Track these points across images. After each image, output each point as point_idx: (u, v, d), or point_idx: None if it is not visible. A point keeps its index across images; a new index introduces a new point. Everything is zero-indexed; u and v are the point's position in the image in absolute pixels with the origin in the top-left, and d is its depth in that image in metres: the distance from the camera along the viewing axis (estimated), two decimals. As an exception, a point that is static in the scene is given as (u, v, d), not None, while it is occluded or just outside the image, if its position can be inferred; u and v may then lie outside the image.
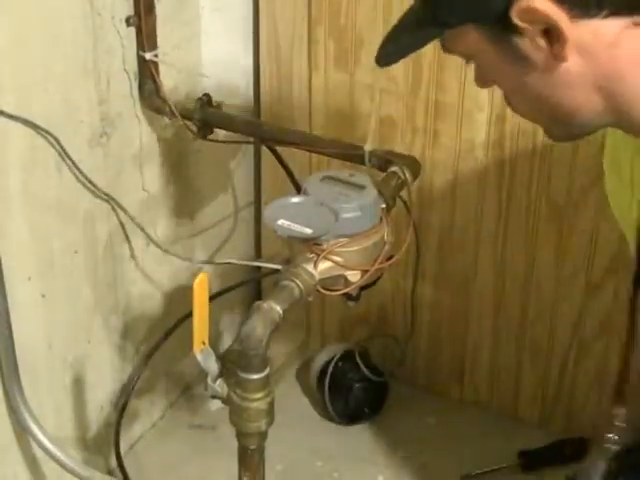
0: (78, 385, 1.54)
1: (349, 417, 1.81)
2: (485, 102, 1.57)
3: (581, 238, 1.60)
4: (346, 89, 1.68)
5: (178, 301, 1.70)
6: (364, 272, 1.20)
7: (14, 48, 1.25)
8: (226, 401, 1.14)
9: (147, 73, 1.49)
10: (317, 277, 1.16)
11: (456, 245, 1.74)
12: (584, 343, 1.69)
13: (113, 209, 1.52)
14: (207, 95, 1.52)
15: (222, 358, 1.14)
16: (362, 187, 1.24)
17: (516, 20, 0.80)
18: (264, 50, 1.75)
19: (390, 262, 1.23)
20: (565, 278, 1.66)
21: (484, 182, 1.65)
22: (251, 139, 1.68)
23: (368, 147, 1.37)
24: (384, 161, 1.36)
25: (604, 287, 1.62)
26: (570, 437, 1.68)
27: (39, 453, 1.46)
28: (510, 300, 1.73)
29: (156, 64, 1.49)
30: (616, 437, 1.06)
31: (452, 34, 0.87)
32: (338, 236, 1.18)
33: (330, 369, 1.80)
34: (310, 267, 1.16)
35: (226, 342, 1.88)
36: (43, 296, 1.41)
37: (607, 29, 0.81)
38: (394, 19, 0.90)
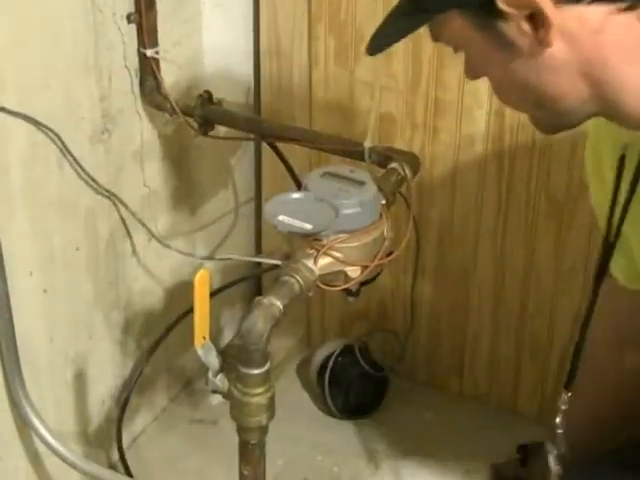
0: (80, 380, 1.55)
1: (349, 412, 1.81)
2: (484, 98, 1.57)
3: (580, 233, 1.61)
4: (346, 86, 1.69)
5: (179, 297, 1.71)
6: (364, 268, 1.21)
7: (16, 45, 1.25)
8: (227, 396, 1.14)
9: (148, 70, 1.49)
10: (317, 273, 1.17)
11: (456, 240, 1.74)
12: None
13: (114, 205, 1.52)
14: (208, 92, 1.52)
15: (223, 353, 1.14)
16: (362, 183, 1.24)
17: (501, 5, 0.81)
18: (264, 46, 1.75)
19: (390, 258, 1.24)
20: (564, 272, 1.66)
21: (483, 177, 1.66)
22: (252, 135, 1.69)
23: (368, 143, 1.38)
24: (384, 157, 1.37)
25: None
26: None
27: (41, 447, 1.47)
28: (510, 294, 1.74)
29: (157, 61, 1.49)
30: (561, 421, 1.08)
31: (438, 21, 0.88)
32: (338, 232, 1.19)
33: (330, 364, 1.81)
34: (310, 263, 1.16)
35: (227, 337, 1.89)
36: (45, 291, 1.42)
37: (592, 15, 0.81)
38: (395, 15, 0.91)
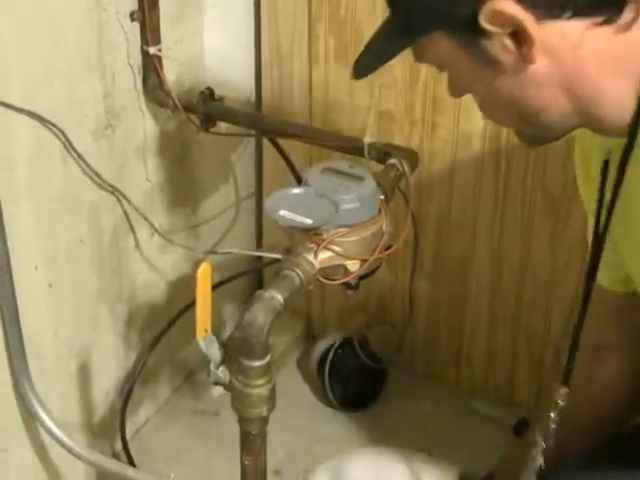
0: (84, 372, 1.56)
1: (349, 403, 1.83)
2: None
3: (575, 229, 1.62)
4: (346, 83, 1.69)
5: (181, 290, 1.72)
6: (363, 261, 1.22)
7: (20, 42, 1.25)
8: (228, 387, 1.14)
9: (151, 67, 1.50)
10: (317, 266, 1.17)
11: (453, 234, 1.76)
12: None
13: (118, 200, 1.53)
14: (210, 89, 1.53)
15: (224, 345, 1.14)
16: (361, 179, 1.25)
17: (484, 24, 0.81)
18: (265, 44, 1.76)
19: (388, 252, 1.24)
20: (560, 267, 1.68)
21: (481, 173, 1.67)
22: (253, 132, 1.70)
23: (367, 140, 1.38)
24: (383, 153, 1.38)
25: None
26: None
27: (46, 438, 1.48)
28: (506, 287, 1.75)
29: (160, 58, 1.50)
30: (555, 416, 1.09)
31: (422, 43, 0.88)
32: (338, 226, 1.19)
33: (330, 356, 1.82)
34: (310, 257, 1.17)
35: (228, 330, 1.89)
36: (50, 285, 1.42)
37: (571, 30, 0.82)
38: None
